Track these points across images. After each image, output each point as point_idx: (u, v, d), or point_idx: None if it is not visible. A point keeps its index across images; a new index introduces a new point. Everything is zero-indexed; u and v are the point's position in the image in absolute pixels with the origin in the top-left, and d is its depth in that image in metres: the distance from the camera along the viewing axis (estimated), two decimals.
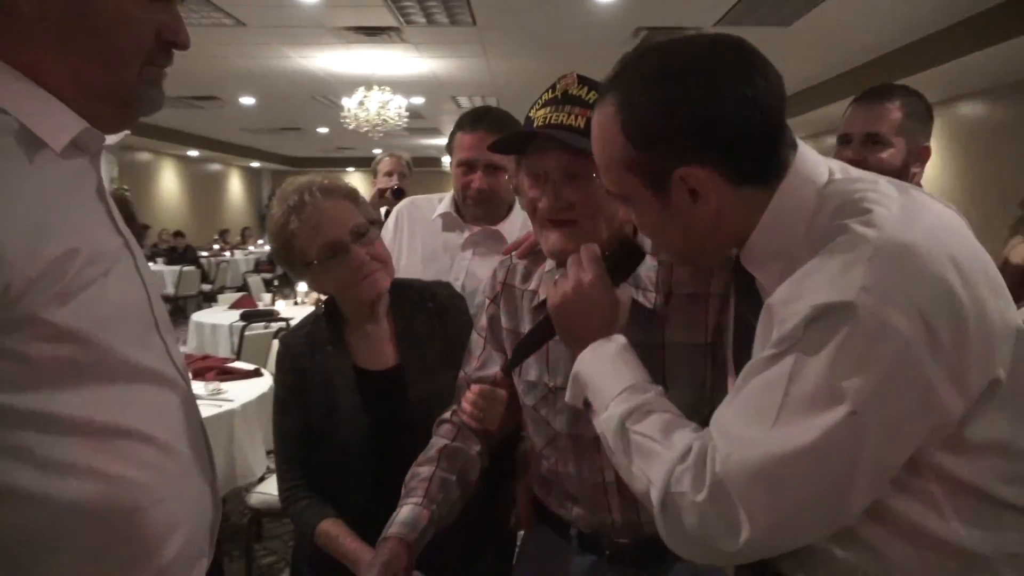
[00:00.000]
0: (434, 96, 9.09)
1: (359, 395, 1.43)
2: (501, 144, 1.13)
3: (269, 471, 2.92)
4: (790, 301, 0.76)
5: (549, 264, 1.22)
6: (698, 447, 0.79)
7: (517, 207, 1.90)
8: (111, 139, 0.95)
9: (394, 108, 7.83)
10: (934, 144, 1.67)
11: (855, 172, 0.87)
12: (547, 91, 1.11)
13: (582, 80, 1.08)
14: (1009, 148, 6.25)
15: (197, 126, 12.44)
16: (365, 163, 18.78)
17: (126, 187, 11.06)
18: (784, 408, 0.73)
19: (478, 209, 1.86)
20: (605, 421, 0.91)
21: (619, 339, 0.97)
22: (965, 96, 6.74)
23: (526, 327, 1.23)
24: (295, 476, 1.44)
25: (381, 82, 7.79)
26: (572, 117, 1.05)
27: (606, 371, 0.94)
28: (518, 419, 1.30)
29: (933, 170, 7.19)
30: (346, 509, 1.39)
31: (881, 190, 0.81)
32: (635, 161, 0.84)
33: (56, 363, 0.79)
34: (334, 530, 1.34)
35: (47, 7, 0.81)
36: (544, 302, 1.20)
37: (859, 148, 1.66)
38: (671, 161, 0.82)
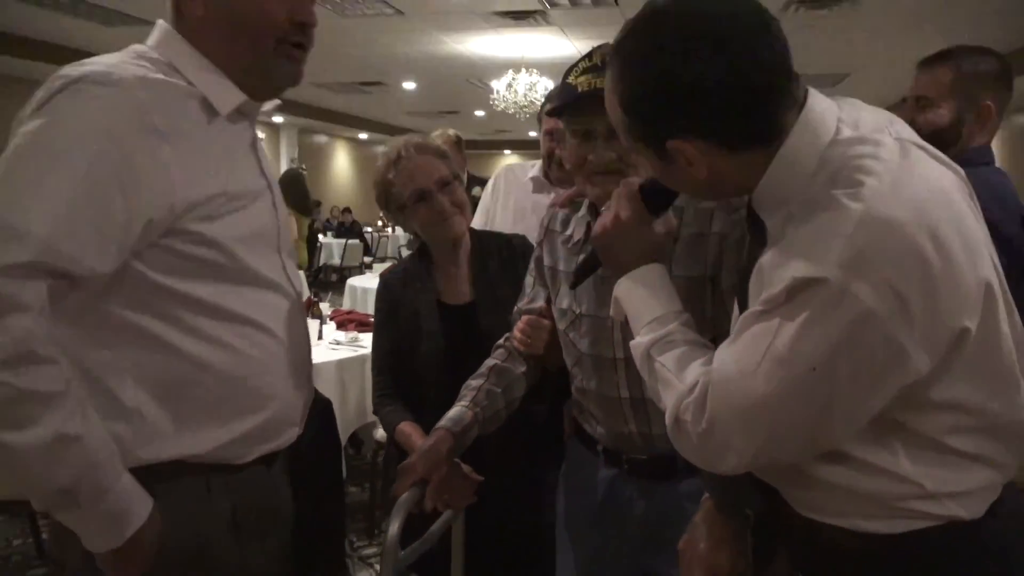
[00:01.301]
0: None
1: (439, 323, 1.70)
2: (557, 109, 1.31)
3: None
4: (777, 267, 0.83)
5: (582, 211, 1.40)
6: (702, 383, 0.90)
7: None
8: (266, 106, 1.26)
9: (541, 90, 8.10)
10: None
11: (869, 124, 0.88)
12: (585, 59, 1.28)
13: None
14: None
15: (366, 110, 13.39)
16: (520, 145, 19.30)
17: (303, 166, 12.24)
18: (764, 360, 0.84)
19: (562, 173, 2.07)
20: (635, 347, 1.03)
21: (655, 269, 1.05)
22: None
23: (561, 264, 1.43)
24: (386, 385, 1.74)
25: (531, 65, 8.06)
26: None
27: (639, 299, 1.04)
28: None
29: None
30: (425, 416, 1.64)
31: (882, 155, 0.82)
32: (634, 129, 0.92)
33: (202, 262, 1.09)
34: (408, 429, 1.62)
35: (211, 9, 1.12)
36: (576, 243, 1.39)
37: (909, 110, 1.76)
38: (663, 133, 0.88)
